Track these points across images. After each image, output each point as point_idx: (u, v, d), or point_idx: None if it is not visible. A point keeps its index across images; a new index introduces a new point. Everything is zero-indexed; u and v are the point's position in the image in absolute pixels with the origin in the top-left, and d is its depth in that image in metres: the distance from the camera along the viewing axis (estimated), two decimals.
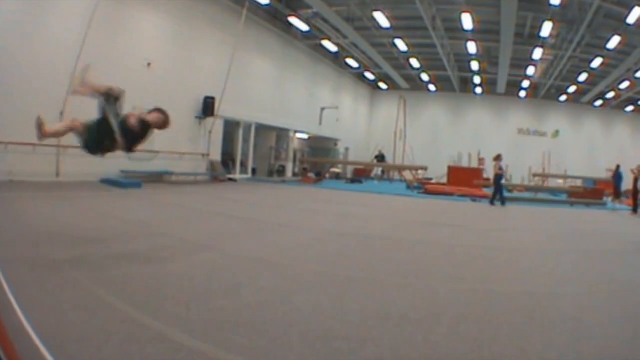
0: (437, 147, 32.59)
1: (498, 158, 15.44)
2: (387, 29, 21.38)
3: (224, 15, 19.08)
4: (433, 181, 24.07)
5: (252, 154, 22.69)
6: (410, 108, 30.45)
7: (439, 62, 26.16)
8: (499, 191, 15.28)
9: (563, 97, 31.90)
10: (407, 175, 23.60)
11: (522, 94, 31.90)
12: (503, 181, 15.81)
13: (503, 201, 15.18)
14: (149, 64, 15.90)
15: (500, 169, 15.25)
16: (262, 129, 23.79)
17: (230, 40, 18.43)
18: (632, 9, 15.86)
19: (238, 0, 18.67)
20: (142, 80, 15.51)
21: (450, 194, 18.20)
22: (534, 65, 24.97)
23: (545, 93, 31.20)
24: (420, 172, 24.58)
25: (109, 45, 14.19)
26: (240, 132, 21.45)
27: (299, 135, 27.40)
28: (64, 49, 12.77)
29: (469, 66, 26.84)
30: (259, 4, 19.64)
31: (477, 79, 30.08)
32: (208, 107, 18.40)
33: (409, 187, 21.65)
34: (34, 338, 2.43)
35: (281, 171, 25.96)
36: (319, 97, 27.97)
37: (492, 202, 15.22)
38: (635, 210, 15.23)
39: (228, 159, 21.19)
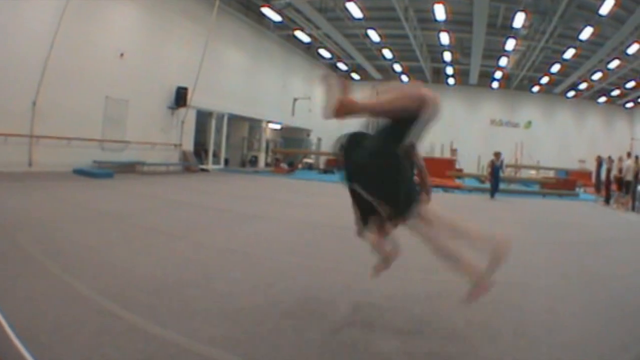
0: None
1: (497, 156, 15.72)
2: (359, 19, 21.41)
3: (196, 5, 18.88)
4: None
5: (224, 145, 22.54)
6: None
7: (411, 53, 26.29)
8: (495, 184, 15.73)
9: (535, 88, 32.39)
10: None
11: (495, 84, 32.28)
12: (500, 174, 16.13)
13: (492, 193, 15.70)
14: (121, 55, 15.64)
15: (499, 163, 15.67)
16: (235, 120, 23.68)
17: (202, 31, 18.26)
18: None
19: None
20: (114, 70, 15.38)
21: None
22: (507, 56, 25.22)
23: (517, 84, 31.68)
24: None
25: (81, 36, 14.00)
26: (213, 123, 21.30)
27: (271, 126, 27.33)
28: (36, 39, 12.56)
29: (442, 57, 26.98)
30: None
31: (449, 70, 30.28)
32: (180, 98, 18.23)
33: None
34: (7, 329, 2.44)
35: (254, 161, 25.88)
36: (291, 88, 27.96)
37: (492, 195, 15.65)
38: (607, 201, 15.55)
39: (200, 149, 21.04)
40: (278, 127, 28.27)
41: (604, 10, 16.75)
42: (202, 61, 18.02)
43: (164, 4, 17.27)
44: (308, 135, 30.56)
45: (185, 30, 18.41)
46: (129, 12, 16.00)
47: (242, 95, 22.63)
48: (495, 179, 15.60)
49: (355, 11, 20.33)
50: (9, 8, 11.94)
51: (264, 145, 26.42)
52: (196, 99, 18.45)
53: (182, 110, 18.48)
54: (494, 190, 15.67)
